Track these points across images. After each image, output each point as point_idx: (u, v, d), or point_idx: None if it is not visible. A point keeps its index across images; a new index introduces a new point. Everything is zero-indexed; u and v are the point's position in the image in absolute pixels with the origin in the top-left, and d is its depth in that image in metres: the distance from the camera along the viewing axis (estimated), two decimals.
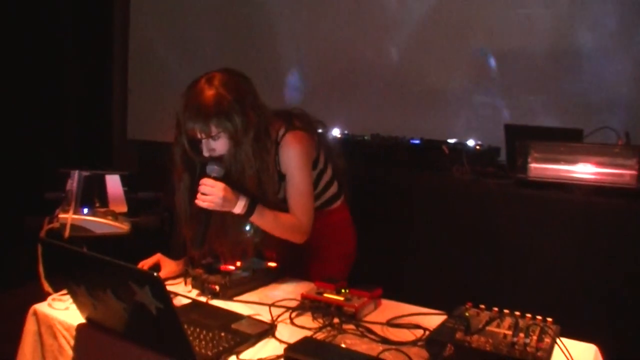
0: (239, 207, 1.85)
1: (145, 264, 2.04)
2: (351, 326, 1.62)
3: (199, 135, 1.85)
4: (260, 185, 1.91)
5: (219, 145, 1.86)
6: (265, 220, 1.92)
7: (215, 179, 1.83)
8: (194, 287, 1.95)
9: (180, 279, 2.01)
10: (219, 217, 1.92)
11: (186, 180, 1.97)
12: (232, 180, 1.87)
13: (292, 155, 1.97)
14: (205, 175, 1.85)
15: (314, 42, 4.16)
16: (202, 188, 1.82)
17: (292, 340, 1.49)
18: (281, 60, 4.26)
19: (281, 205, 2.00)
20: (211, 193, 1.81)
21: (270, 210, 1.93)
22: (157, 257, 2.07)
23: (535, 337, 1.41)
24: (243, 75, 1.95)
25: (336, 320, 1.65)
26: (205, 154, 1.88)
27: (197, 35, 4.68)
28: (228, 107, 1.82)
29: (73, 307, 1.63)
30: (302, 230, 2.00)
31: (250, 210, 1.87)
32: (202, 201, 1.82)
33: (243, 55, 4.43)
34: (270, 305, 1.77)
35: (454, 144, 3.19)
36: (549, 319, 1.53)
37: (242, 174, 1.89)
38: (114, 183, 2.18)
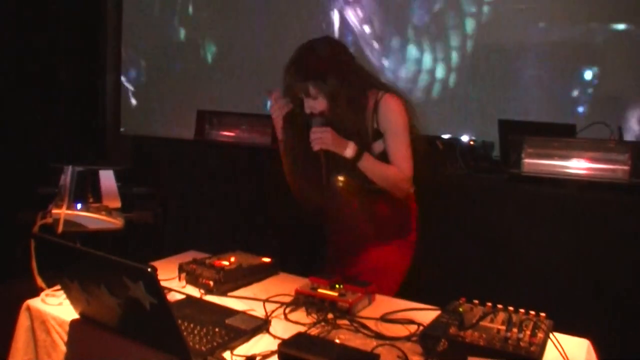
0: (349, 150, 1.99)
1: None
2: (345, 321, 1.63)
3: (300, 95, 2.02)
4: (360, 138, 2.03)
5: (318, 104, 2.01)
6: (372, 165, 2.03)
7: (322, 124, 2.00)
8: (188, 282, 1.95)
9: (174, 275, 2.01)
10: (329, 162, 2.07)
11: (295, 134, 2.12)
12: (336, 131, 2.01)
13: (393, 109, 2.07)
14: (312, 127, 2.01)
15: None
16: (312, 135, 1.99)
17: (286, 335, 1.50)
18: (278, 51, 4.24)
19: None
20: (321, 135, 1.97)
21: (375, 159, 2.04)
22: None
23: (528, 332, 1.42)
24: (340, 42, 2.16)
25: (330, 315, 1.66)
26: (307, 111, 2.04)
27: (192, 29, 4.67)
28: (324, 70, 1.98)
29: (66, 303, 1.63)
30: (404, 178, 2.07)
31: (359, 153, 2.00)
32: (315, 144, 1.98)
33: (239, 51, 4.42)
34: (264, 301, 1.77)
35: (448, 139, 3.18)
36: (542, 314, 1.54)
37: (342, 128, 2.01)
38: (107, 178, 2.18)
